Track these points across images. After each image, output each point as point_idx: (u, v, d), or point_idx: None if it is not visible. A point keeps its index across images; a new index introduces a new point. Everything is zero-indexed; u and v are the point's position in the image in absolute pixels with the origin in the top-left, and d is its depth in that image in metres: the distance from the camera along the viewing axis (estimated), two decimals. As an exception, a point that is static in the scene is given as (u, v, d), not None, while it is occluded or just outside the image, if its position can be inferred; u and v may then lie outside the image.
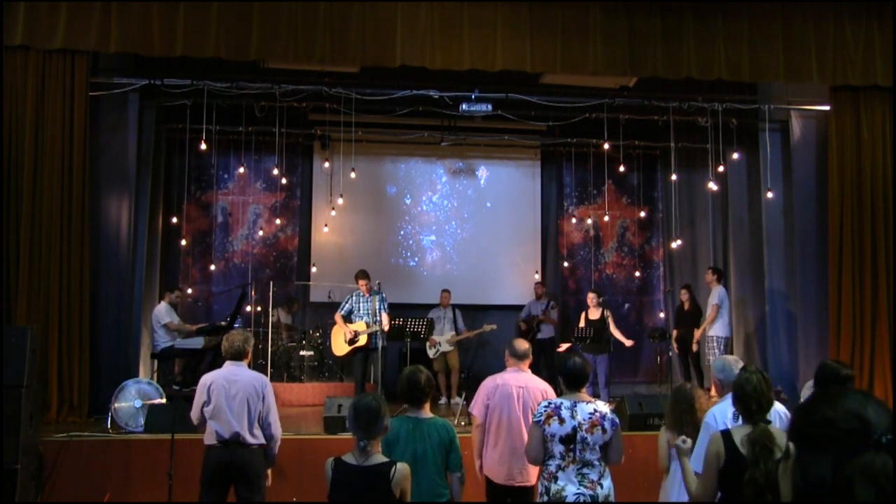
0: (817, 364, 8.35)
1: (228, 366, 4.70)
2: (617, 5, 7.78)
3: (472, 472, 4.56)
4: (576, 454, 3.70)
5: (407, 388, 3.87)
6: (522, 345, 4.67)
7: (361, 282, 8.15)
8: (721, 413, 3.49)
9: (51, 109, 7.22)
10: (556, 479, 3.72)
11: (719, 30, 7.87)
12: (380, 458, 3.30)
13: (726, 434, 2.99)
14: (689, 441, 3.31)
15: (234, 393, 4.56)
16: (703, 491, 2.98)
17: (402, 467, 3.28)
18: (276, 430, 4.71)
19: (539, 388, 4.54)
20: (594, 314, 8.94)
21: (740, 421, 3.10)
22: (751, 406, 2.97)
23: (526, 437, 4.28)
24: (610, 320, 8.89)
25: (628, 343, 8.95)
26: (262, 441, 4.65)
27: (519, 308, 10.74)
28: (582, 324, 8.95)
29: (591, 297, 9.08)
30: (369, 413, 3.28)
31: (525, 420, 4.43)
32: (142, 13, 7.12)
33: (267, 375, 8.87)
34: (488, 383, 4.60)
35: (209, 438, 4.62)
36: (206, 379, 4.69)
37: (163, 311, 8.60)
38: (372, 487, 3.22)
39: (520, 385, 4.52)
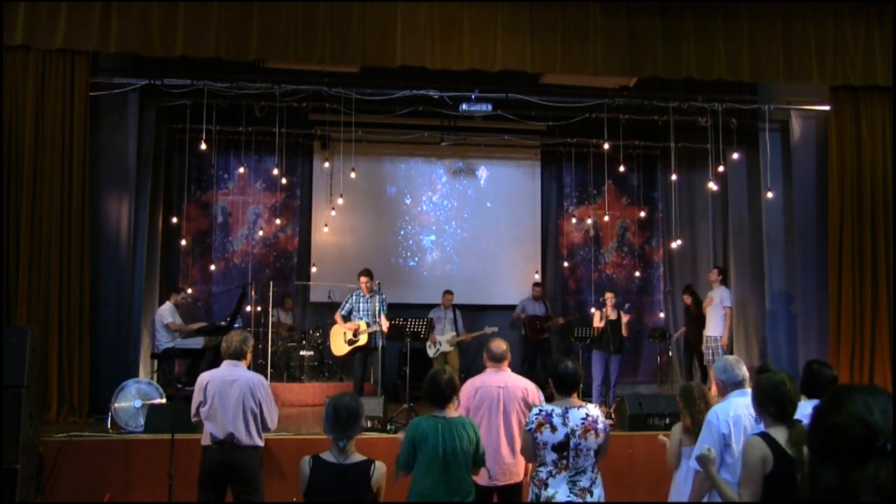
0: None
1: (226, 366, 4.68)
2: (617, 5, 7.77)
3: None
4: (569, 461, 3.67)
5: (429, 389, 3.91)
6: (500, 346, 4.60)
7: (363, 279, 8.04)
8: (723, 412, 3.49)
9: (51, 109, 7.22)
10: (546, 485, 3.69)
11: (719, 30, 7.87)
12: (358, 456, 3.38)
13: (767, 437, 2.90)
14: (713, 451, 3.25)
15: (230, 393, 4.55)
16: (751, 498, 2.86)
17: (380, 465, 3.36)
18: (273, 423, 4.71)
19: (519, 386, 4.52)
20: (613, 314, 8.77)
21: (761, 424, 3.06)
22: (787, 407, 2.95)
23: (503, 435, 4.37)
24: (624, 320, 8.81)
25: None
26: (258, 443, 4.63)
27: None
28: (600, 323, 8.68)
29: (610, 297, 8.84)
30: (349, 413, 3.36)
31: (506, 420, 4.42)
32: (142, 13, 7.12)
33: (267, 375, 8.98)
34: (468, 387, 4.54)
35: (205, 439, 4.62)
36: (203, 379, 4.67)
37: (166, 312, 8.60)
38: (352, 485, 3.29)
39: (499, 385, 4.49)
